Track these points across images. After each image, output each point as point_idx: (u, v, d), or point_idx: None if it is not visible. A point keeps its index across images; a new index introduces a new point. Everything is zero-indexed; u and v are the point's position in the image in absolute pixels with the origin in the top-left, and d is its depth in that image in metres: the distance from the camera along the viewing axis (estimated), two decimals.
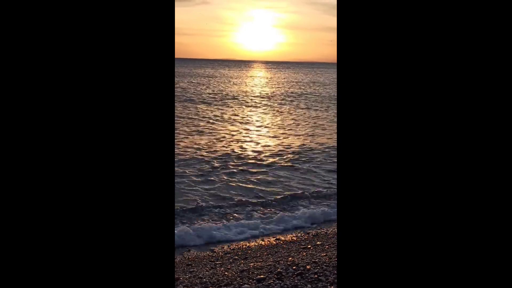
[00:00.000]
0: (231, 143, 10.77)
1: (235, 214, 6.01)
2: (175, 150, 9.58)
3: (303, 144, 10.69)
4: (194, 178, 7.54)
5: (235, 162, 8.80)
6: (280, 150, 10.06)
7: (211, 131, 12.27)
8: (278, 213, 6.12)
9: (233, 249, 4.93)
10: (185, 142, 10.50)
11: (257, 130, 12.92)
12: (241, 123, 14.01)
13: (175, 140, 10.55)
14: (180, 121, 13.49)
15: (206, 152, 9.65)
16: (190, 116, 14.81)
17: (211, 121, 14.03)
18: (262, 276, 3.52)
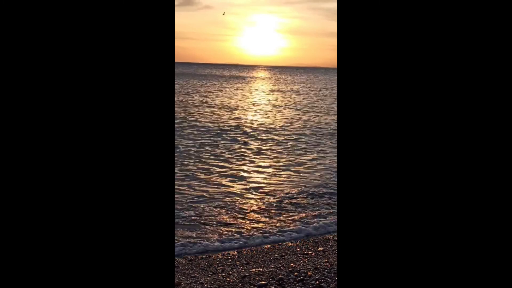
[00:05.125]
0: None
1: None
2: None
3: None
4: None
5: None
6: None
7: None
8: None
9: (234, 254, 4.92)
10: None
11: None
12: None
13: None
14: None
15: None
16: None
17: None
18: (263, 282, 3.51)
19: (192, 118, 15.68)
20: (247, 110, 19.66)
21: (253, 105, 22.11)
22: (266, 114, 18.28)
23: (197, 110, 18.40)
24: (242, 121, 15.74)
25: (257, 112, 19.13)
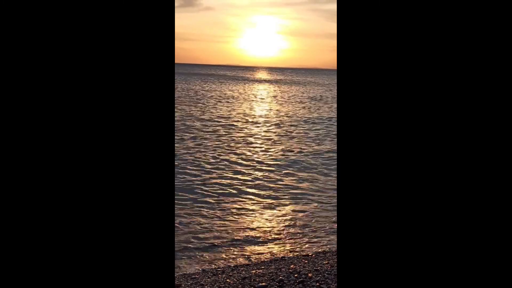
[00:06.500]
0: None
1: None
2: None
3: None
4: None
5: None
6: None
7: None
8: None
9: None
10: None
11: None
12: None
13: None
14: None
15: None
16: None
17: None
18: (263, 284, 3.51)
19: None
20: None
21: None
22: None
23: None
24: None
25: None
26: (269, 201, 6.86)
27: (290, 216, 6.19)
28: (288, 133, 13.50)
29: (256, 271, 3.94)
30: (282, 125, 14.96)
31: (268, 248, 5.11)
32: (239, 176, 8.23)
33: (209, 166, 8.91)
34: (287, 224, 5.87)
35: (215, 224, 5.81)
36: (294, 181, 8.04)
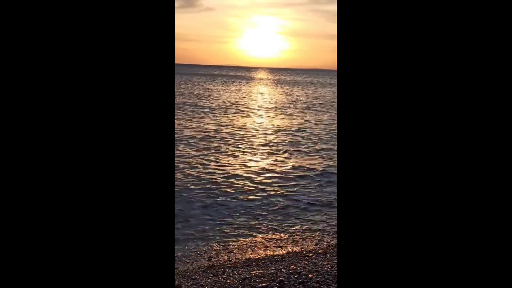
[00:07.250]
0: None
1: None
2: None
3: None
4: None
5: None
6: None
7: None
8: None
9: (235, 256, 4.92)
10: None
11: None
12: None
13: None
14: None
15: None
16: None
17: None
18: (264, 285, 3.50)
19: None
20: None
21: None
22: None
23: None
24: None
25: None
26: (270, 203, 6.87)
27: (291, 217, 6.19)
28: (290, 136, 13.36)
29: (256, 272, 3.94)
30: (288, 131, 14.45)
31: (269, 248, 5.11)
32: (239, 179, 8.24)
33: (211, 169, 8.92)
34: (287, 224, 5.88)
35: (215, 225, 5.81)
36: (295, 182, 8.05)
